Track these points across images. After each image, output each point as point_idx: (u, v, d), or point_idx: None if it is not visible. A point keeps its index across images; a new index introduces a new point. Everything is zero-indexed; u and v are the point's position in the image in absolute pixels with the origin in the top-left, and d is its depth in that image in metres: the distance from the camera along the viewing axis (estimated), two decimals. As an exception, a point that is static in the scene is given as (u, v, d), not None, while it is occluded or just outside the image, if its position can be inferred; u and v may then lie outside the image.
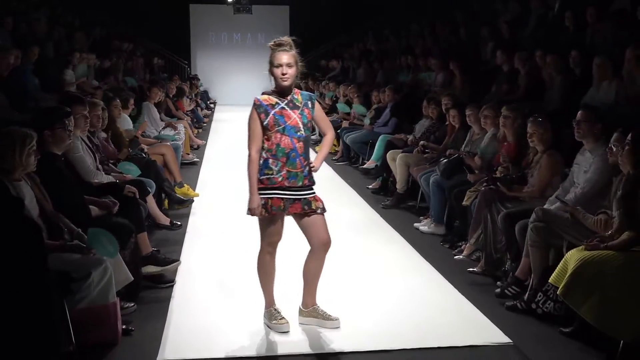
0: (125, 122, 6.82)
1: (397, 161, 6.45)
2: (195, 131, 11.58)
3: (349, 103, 10.03)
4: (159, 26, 18.49)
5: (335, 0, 19.09)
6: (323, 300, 3.58)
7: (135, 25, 17.48)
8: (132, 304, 3.68)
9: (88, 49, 10.66)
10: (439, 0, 13.33)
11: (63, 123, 3.82)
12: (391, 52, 12.65)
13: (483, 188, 4.58)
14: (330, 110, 10.75)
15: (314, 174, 3.39)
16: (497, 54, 7.50)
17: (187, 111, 11.78)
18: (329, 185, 6.54)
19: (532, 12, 8.60)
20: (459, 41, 10.10)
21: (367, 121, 8.79)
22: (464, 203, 4.83)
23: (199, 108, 14.24)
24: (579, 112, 3.94)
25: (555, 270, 3.35)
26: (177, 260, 4.39)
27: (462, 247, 4.83)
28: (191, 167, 8.70)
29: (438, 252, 4.96)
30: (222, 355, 3.17)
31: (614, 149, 3.50)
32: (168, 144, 7.13)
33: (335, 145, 8.27)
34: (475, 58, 8.89)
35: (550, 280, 3.39)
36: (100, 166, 4.79)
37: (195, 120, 12.54)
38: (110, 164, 5.23)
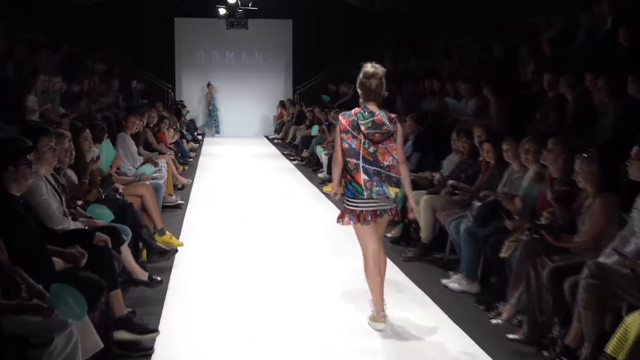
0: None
1: (421, 204, 6.48)
2: (180, 168, 11.74)
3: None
4: (138, 43, 18.86)
5: (345, 13, 19.33)
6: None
7: (110, 43, 17.83)
8: (101, 377, 3.66)
9: (54, 70, 10.87)
10: (469, 12, 13.51)
11: (26, 159, 3.83)
12: (412, 74, 12.81)
13: (525, 237, 4.57)
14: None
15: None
16: (545, 78, 7.54)
17: (170, 144, 11.99)
18: (339, 233, 6.51)
19: (580, 26, 8.68)
20: (493, 61, 10.23)
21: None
22: (501, 255, 4.82)
23: (184, 140, 14.44)
24: (635, 147, 3.97)
25: (614, 338, 3.34)
26: (156, 330, 4.38)
27: (501, 309, 4.81)
28: (175, 211, 8.77)
29: (471, 314, 4.92)
30: None
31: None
32: (147, 183, 7.23)
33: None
34: (513, 81, 8.96)
35: (607, 350, 3.36)
36: (66, 210, 4.83)
37: (180, 154, 12.72)
38: (78, 207, 5.28)
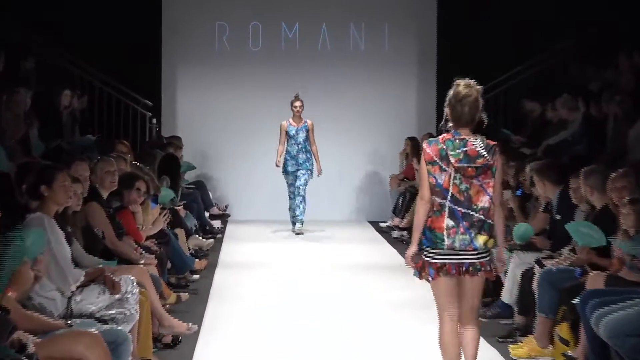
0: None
1: None
2: (172, 296, 11.73)
3: (605, 221, 10.10)
4: (75, 10, 19.80)
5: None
6: None
7: (22, 13, 18.61)
8: None
9: None
10: None
11: None
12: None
13: None
14: (555, 245, 10.85)
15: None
16: None
17: (149, 239, 12.16)
18: None
19: None
20: None
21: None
22: None
23: (179, 231, 14.55)
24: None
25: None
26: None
27: None
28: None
29: None
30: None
31: None
32: (94, 331, 7.31)
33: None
34: None
35: None
36: None
37: (172, 264, 12.92)
38: None
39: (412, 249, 7.91)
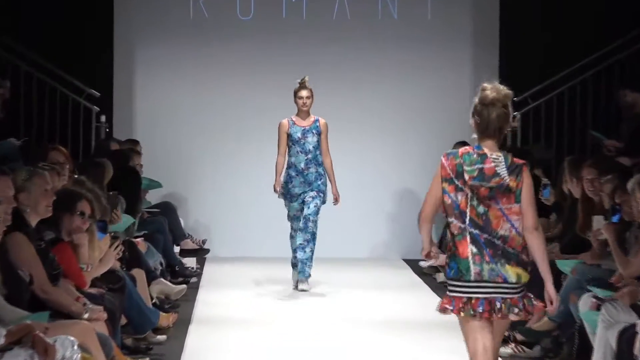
0: None
1: None
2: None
3: None
4: None
5: None
6: None
7: None
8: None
9: None
10: None
11: None
12: None
13: None
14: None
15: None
16: None
17: (96, 285, 12.15)
18: None
19: None
20: None
21: None
22: None
23: (136, 273, 14.51)
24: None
25: None
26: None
27: None
28: None
29: None
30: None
31: None
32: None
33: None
34: None
35: None
36: None
37: (129, 320, 12.93)
38: None
39: (426, 250, 9.26)
